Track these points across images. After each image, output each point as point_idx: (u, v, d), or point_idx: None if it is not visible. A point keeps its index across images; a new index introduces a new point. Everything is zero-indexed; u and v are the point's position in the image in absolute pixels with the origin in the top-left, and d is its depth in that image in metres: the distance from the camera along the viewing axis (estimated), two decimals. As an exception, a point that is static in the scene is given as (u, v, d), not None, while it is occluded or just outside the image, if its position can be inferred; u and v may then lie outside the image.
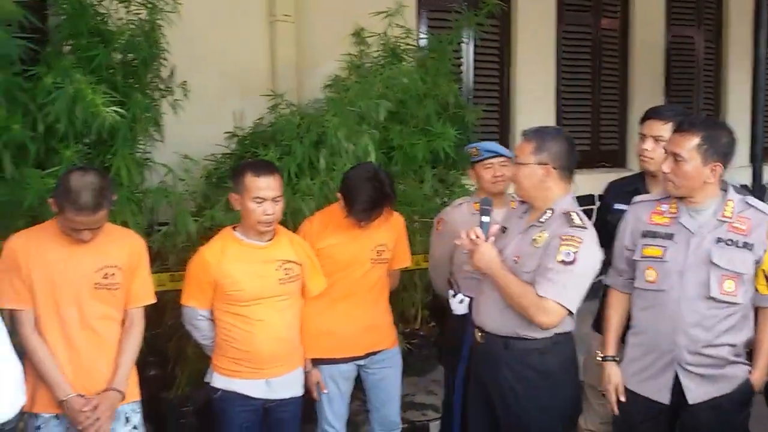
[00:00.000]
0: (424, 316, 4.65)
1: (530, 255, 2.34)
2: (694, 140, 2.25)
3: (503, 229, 2.50)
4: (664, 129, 2.64)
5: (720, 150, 2.27)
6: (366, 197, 2.68)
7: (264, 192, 2.52)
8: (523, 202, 2.53)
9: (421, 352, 4.39)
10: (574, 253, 2.25)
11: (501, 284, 2.35)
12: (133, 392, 2.51)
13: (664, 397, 2.33)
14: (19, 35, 2.68)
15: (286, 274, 2.62)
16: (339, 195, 2.80)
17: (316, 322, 2.80)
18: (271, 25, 4.39)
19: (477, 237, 2.40)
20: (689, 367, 2.29)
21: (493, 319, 2.44)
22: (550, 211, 2.38)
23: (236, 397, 2.60)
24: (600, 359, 2.54)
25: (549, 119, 5.80)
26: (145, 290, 2.53)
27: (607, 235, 2.78)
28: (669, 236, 2.34)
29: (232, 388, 2.61)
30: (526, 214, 2.49)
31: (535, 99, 5.71)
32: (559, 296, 2.26)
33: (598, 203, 5.48)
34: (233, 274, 2.55)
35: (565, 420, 2.51)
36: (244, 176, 2.55)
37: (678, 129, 2.33)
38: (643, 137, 2.74)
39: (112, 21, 3.12)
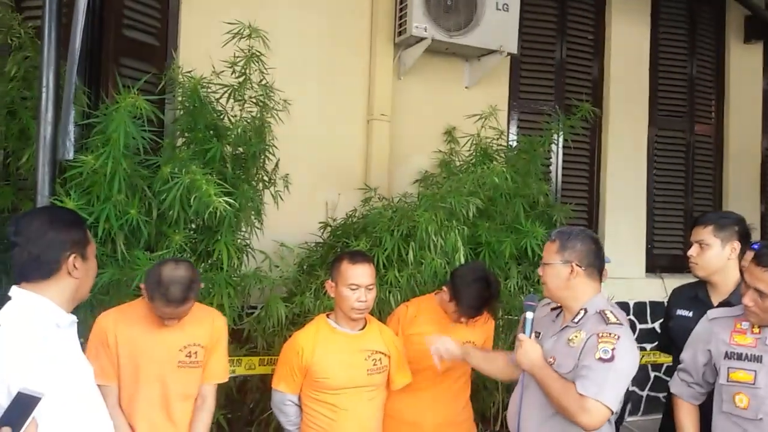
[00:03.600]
0: (505, 418, 4.49)
1: (566, 355, 2.28)
2: None
3: (537, 334, 2.45)
4: (705, 232, 2.71)
5: None
6: (475, 296, 2.76)
7: (359, 279, 2.60)
8: (555, 307, 2.49)
9: (501, 456, 4.22)
10: (612, 349, 2.18)
11: (543, 382, 2.28)
12: None
13: None
14: (143, 128, 2.89)
15: (375, 365, 2.66)
16: (445, 289, 2.87)
17: (400, 411, 2.82)
18: (369, 124, 4.60)
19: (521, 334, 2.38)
20: None
21: (535, 428, 2.36)
22: (584, 311, 2.33)
23: (318, 485, 2.59)
24: None
25: (639, 223, 5.69)
26: (220, 368, 2.61)
27: (668, 340, 2.85)
28: (757, 359, 2.21)
29: (315, 475, 2.60)
30: (558, 318, 2.45)
31: (624, 202, 5.63)
32: (598, 394, 2.16)
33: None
34: (323, 361, 2.59)
35: None
36: (340, 264, 2.65)
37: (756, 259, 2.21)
38: (690, 243, 2.78)
39: (227, 117, 3.36)
